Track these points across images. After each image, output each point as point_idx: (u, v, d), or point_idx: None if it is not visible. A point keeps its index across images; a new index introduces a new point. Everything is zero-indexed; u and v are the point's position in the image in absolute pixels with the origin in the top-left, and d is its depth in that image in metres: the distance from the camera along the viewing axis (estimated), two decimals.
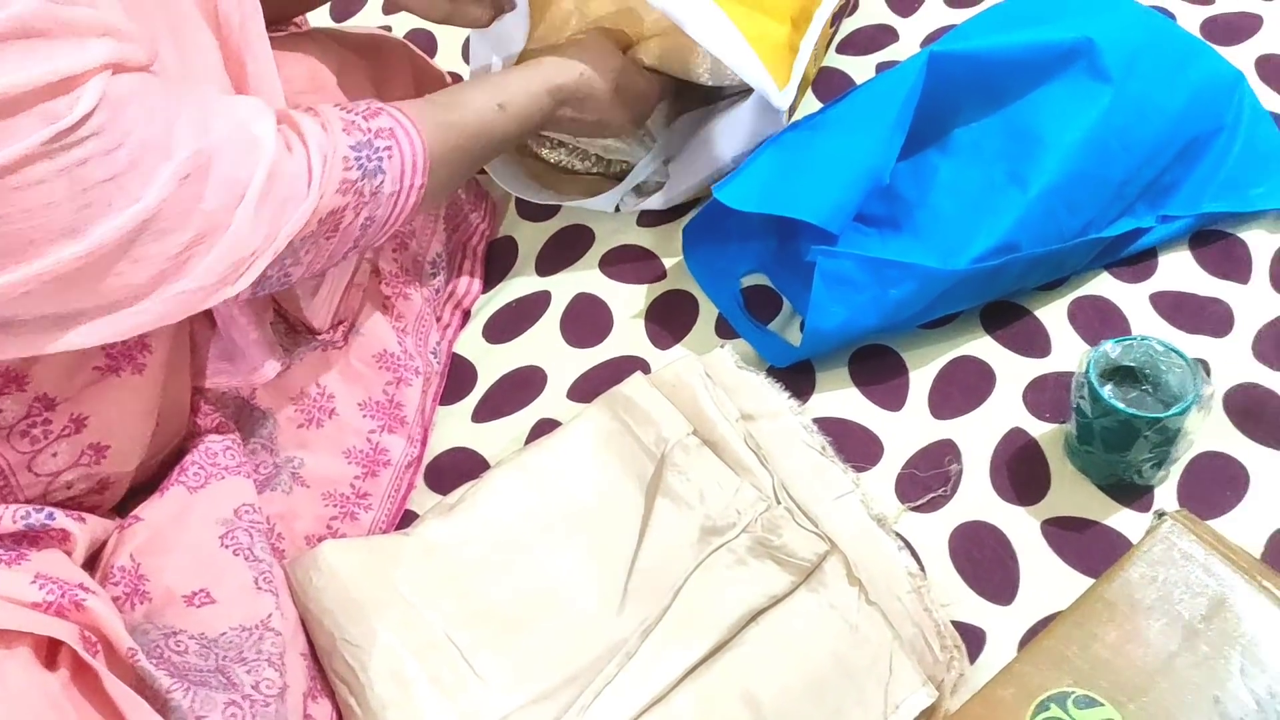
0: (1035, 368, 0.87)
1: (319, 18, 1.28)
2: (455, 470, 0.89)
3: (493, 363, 0.96)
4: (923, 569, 0.78)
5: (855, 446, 0.85)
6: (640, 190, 1.02)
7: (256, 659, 0.65)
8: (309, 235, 0.66)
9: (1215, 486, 0.80)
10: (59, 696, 0.59)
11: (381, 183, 0.70)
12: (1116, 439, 0.77)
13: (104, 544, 0.73)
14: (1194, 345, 0.87)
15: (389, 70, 0.96)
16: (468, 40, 1.04)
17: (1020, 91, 0.87)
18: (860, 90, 0.90)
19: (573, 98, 0.88)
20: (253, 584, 0.69)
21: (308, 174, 0.65)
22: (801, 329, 0.88)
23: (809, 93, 1.09)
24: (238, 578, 0.69)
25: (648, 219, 1.03)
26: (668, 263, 0.99)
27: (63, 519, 0.66)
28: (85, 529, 0.67)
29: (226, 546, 0.71)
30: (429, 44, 1.24)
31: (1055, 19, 0.89)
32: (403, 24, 1.26)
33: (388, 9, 1.30)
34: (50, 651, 0.60)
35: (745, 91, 0.95)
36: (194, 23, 0.68)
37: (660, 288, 0.98)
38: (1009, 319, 0.90)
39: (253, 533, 0.72)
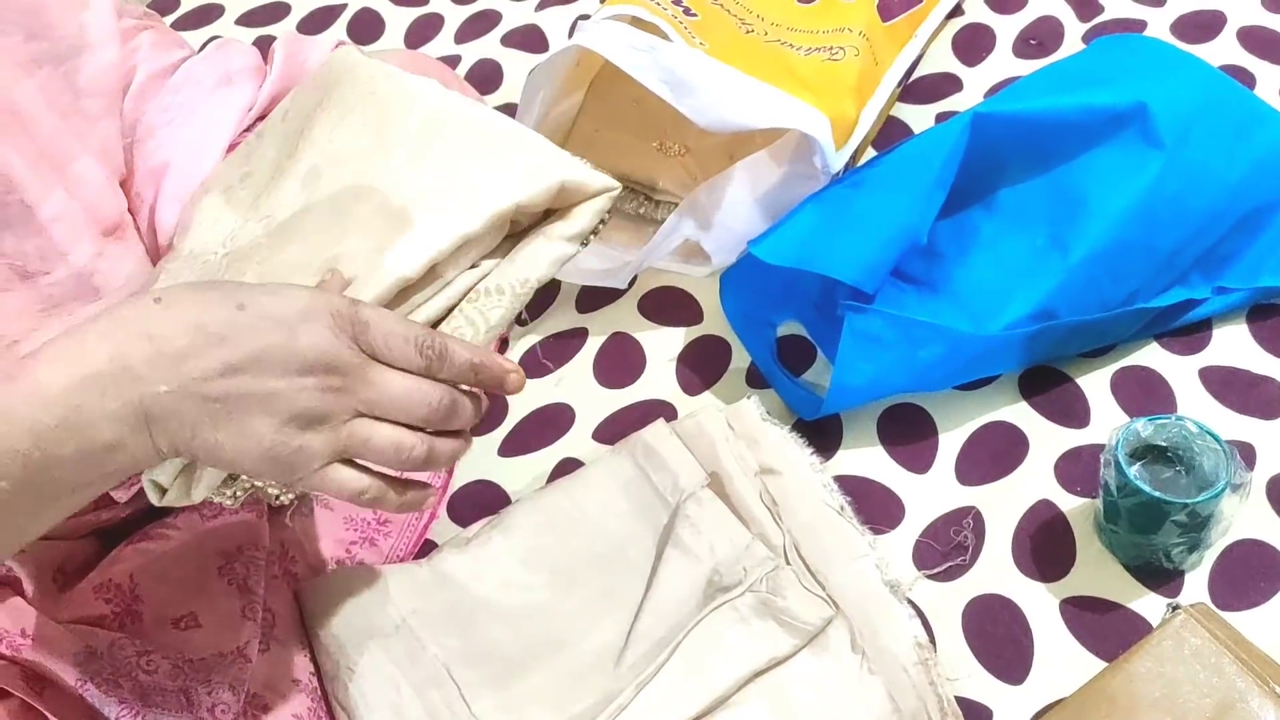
0: (1071, 438, 0.85)
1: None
2: (477, 503, 0.90)
3: (524, 397, 0.96)
4: (933, 640, 0.76)
5: (876, 507, 0.83)
6: (681, 252, 1.01)
7: (220, 681, 0.66)
8: None
9: (1251, 576, 0.77)
10: None
11: None
12: (1143, 520, 0.74)
13: (97, 553, 0.73)
14: (1242, 426, 0.83)
15: None
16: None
17: (1068, 155, 0.85)
18: (903, 148, 0.88)
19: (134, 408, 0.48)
20: (239, 612, 0.71)
21: None
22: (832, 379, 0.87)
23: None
24: (226, 605, 0.71)
25: None
26: (706, 307, 0.99)
27: None
28: (29, 558, 0.67)
29: (223, 575, 0.72)
30: (494, 75, 1.26)
31: (1112, 80, 0.86)
32: (471, 54, 1.28)
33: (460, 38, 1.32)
34: (2, 693, 0.61)
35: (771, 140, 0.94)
36: None
37: (696, 332, 0.97)
38: (1048, 385, 0.88)
39: (250, 566, 0.73)
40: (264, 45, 0.88)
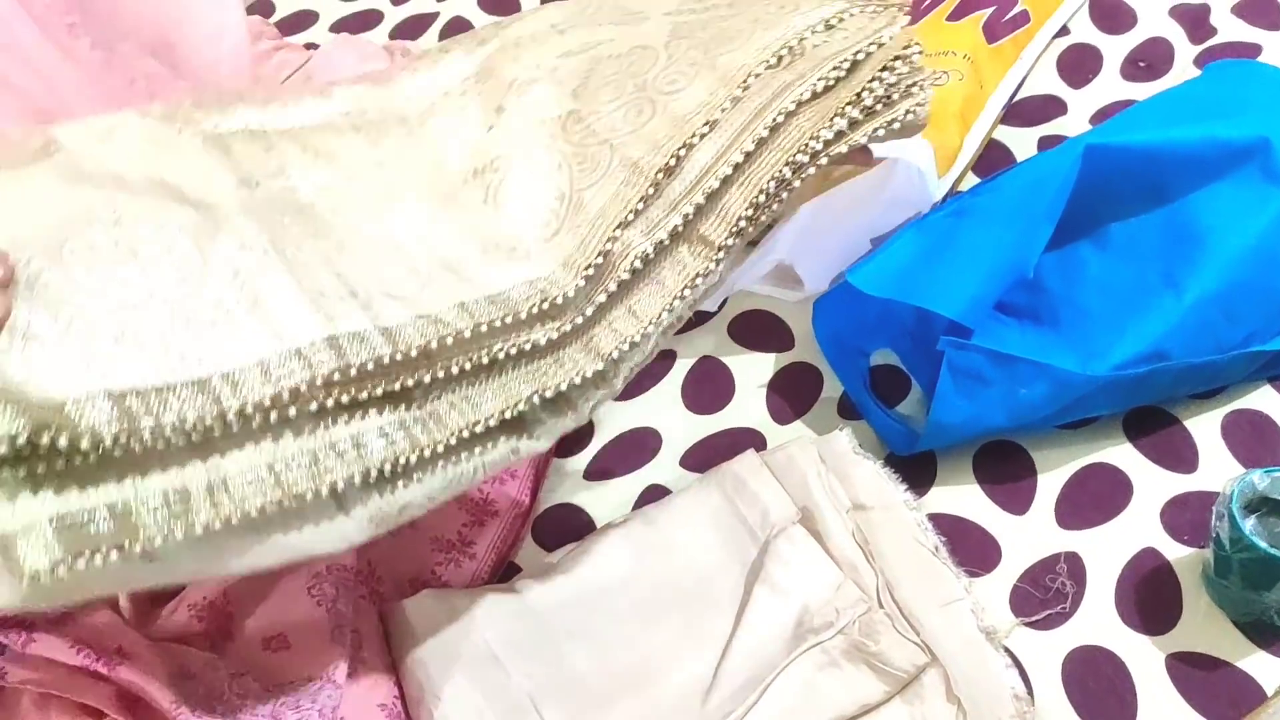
0: (1178, 484, 0.82)
1: None
2: (561, 527, 0.89)
3: (610, 419, 0.95)
4: (1031, 692, 0.74)
5: (971, 549, 0.81)
6: (773, 276, 0.99)
7: (310, 708, 0.66)
8: None
9: None
10: None
11: None
12: (1257, 577, 0.71)
13: None
14: None
15: None
16: None
17: (1184, 189, 0.82)
18: (1009, 176, 0.86)
19: None
20: (329, 635, 0.71)
21: None
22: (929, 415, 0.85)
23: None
24: (316, 627, 0.71)
25: None
26: (797, 333, 0.97)
27: None
28: None
29: (313, 595, 0.72)
30: None
31: (1231, 112, 0.83)
32: None
33: None
34: (97, 712, 0.62)
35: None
36: None
37: (786, 359, 0.96)
38: (1155, 427, 0.85)
39: (339, 586, 0.73)
40: None
